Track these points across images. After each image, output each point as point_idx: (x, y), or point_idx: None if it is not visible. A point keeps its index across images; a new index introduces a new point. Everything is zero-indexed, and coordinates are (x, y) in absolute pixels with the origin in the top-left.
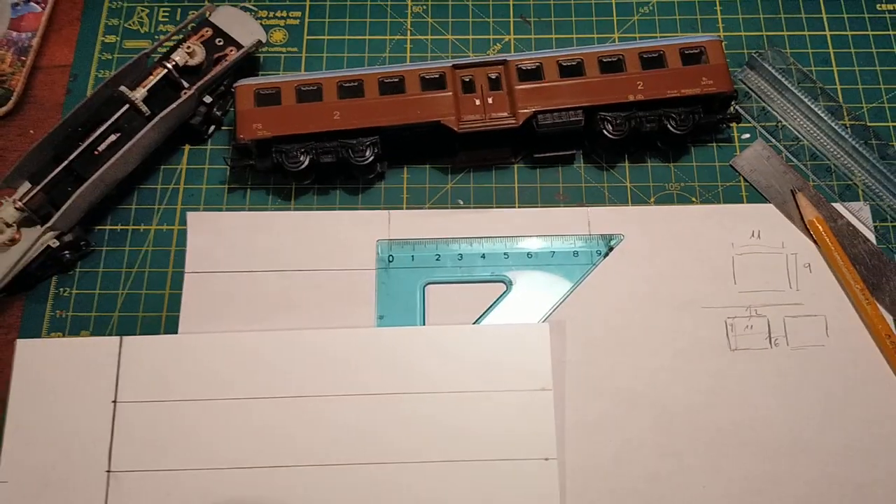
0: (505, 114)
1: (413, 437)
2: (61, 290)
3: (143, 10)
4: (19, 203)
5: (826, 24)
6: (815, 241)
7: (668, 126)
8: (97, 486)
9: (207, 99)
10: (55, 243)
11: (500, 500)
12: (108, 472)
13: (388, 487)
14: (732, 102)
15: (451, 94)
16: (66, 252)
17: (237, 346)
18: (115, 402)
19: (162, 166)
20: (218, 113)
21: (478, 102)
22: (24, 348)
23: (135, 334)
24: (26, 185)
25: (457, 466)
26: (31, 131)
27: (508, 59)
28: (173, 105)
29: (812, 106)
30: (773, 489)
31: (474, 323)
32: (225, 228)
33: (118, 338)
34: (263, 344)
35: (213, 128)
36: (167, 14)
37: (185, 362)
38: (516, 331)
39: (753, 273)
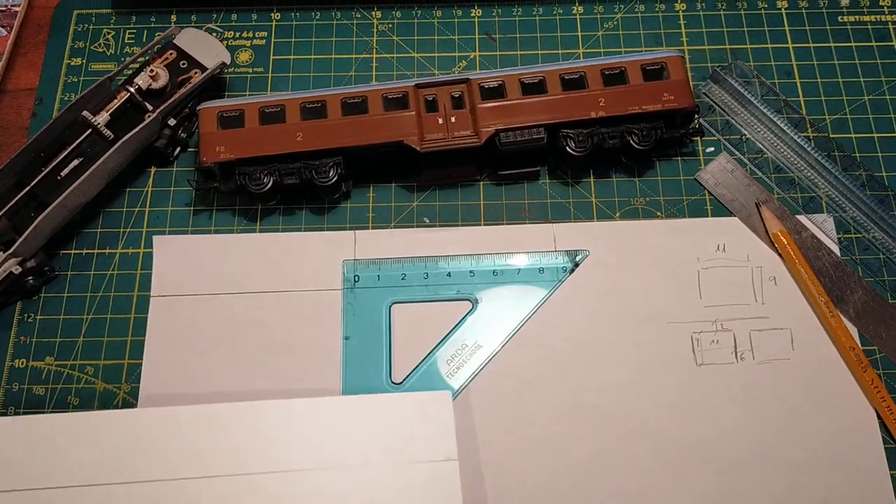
0: (468, 132)
1: None
2: (25, 315)
3: (109, 33)
4: None
5: (789, 36)
6: (779, 254)
7: (631, 142)
8: None
9: (172, 121)
10: (18, 269)
11: None
12: None
13: None
14: (696, 116)
15: (413, 113)
16: (30, 278)
17: (120, 423)
18: None
19: (127, 189)
20: (183, 135)
21: (440, 121)
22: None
23: (100, 360)
24: None
25: None
26: None
27: (471, 77)
28: (136, 129)
29: (775, 119)
30: (738, 502)
31: (440, 342)
32: (190, 251)
33: None
34: (139, 422)
35: (178, 150)
36: (133, 36)
37: (66, 442)
38: (418, 399)
39: (719, 287)
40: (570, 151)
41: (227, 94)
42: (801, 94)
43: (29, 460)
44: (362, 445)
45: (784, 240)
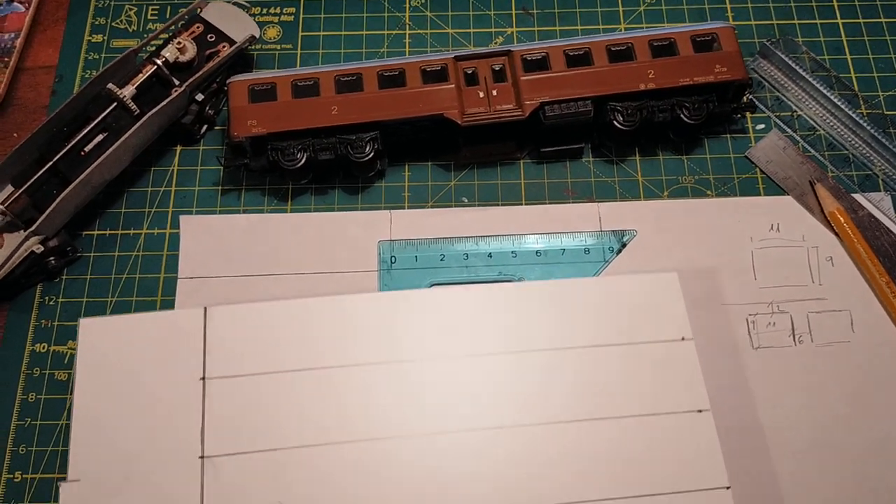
0: (510, 106)
1: (554, 396)
2: (47, 298)
3: (131, 9)
4: (1, 207)
5: (837, 11)
6: (836, 234)
7: (681, 116)
8: (190, 475)
9: (199, 97)
10: (39, 249)
11: (658, 455)
12: (202, 457)
13: (526, 451)
14: (746, 91)
15: (453, 86)
16: (52, 258)
17: (334, 310)
18: (203, 378)
19: (152, 168)
20: (210, 112)
21: (481, 95)
22: (88, 328)
23: None
24: (9, 189)
25: (604, 424)
26: (15, 135)
27: (513, 49)
28: (164, 102)
29: (828, 94)
30: (800, 491)
31: None
32: (219, 231)
33: (202, 308)
34: (362, 306)
35: (205, 127)
36: (156, 12)
37: (278, 330)
38: (647, 280)
39: (774, 268)
40: (618, 125)
41: (255, 70)
42: (852, 70)
43: (244, 346)
44: (590, 326)
45: (841, 218)
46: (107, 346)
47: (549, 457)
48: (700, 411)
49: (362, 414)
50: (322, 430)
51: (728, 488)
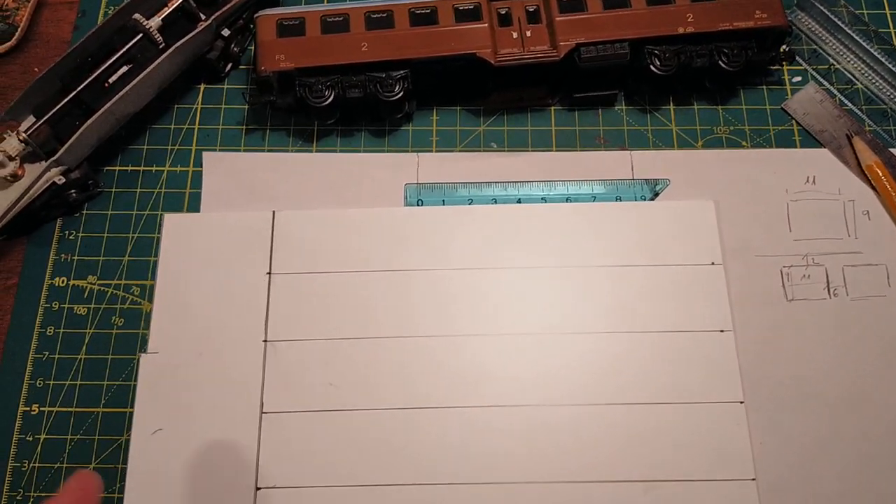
0: (545, 47)
1: (584, 310)
2: (67, 232)
3: None
4: (23, 135)
5: None
6: (873, 188)
7: (720, 62)
8: (254, 356)
9: (225, 32)
10: (61, 180)
11: (680, 369)
12: (265, 341)
13: (553, 357)
14: (787, 39)
15: (486, 26)
16: (73, 191)
17: (392, 220)
18: (269, 273)
19: (176, 105)
20: (235, 49)
21: (515, 35)
22: (171, 221)
23: (146, 280)
24: (31, 119)
25: (631, 336)
26: (36, 69)
27: None
28: (189, 35)
29: (867, 47)
30: (835, 446)
31: None
32: (243, 169)
33: (271, 211)
34: (423, 217)
35: (230, 65)
36: None
37: (338, 235)
38: (681, 207)
39: (809, 220)
40: (655, 70)
41: (281, 6)
42: (891, 24)
43: (307, 248)
44: (628, 248)
45: (879, 172)
46: (186, 240)
47: (574, 364)
48: (722, 331)
49: (408, 313)
50: (370, 324)
51: (742, 403)
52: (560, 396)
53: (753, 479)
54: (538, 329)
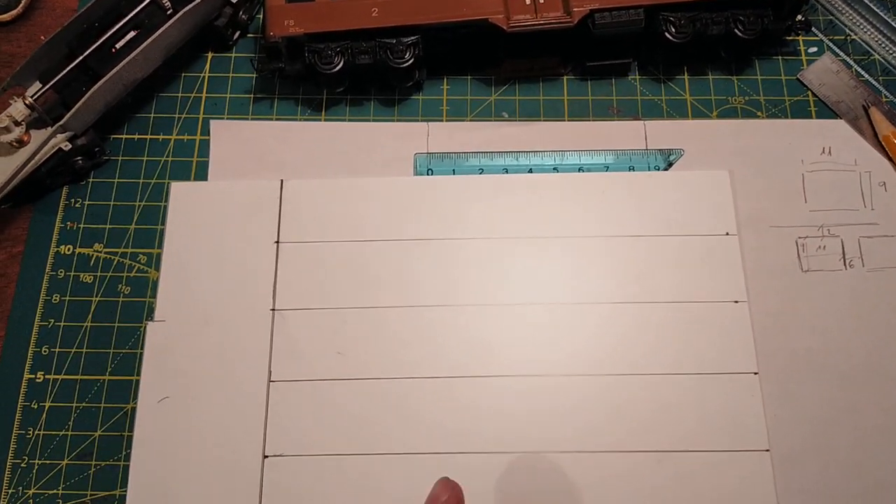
0: (558, 13)
1: (597, 280)
2: (73, 200)
3: None
4: (29, 100)
5: None
6: (890, 159)
7: (736, 30)
8: (262, 324)
9: None
10: (67, 146)
11: (693, 340)
12: (273, 310)
13: (565, 324)
14: (804, 7)
15: None
16: (79, 158)
17: (401, 188)
18: (277, 242)
19: (183, 73)
20: (244, 17)
21: (528, 1)
22: (178, 189)
23: (153, 248)
24: (37, 85)
25: (645, 307)
26: (42, 37)
27: None
28: (197, 1)
29: (885, 17)
30: (849, 418)
31: None
32: (251, 138)
33: (279, 180)
34: (433, 187)
35: (238, 33)
36: None
37: (346, 203)
38: (695, 178)
39: (825, 191)
40: (670, 37)
41: None
42: None
43: (316, 217)
44: (641, 218)
45: None
46: (193, 207)
47: (586, 334)
48: (736, 302)
49: (417, 282)
50: (379, 293)
51: (756, 374)
52: (572, 367)
53: (767, 451)
54: (549, 299)
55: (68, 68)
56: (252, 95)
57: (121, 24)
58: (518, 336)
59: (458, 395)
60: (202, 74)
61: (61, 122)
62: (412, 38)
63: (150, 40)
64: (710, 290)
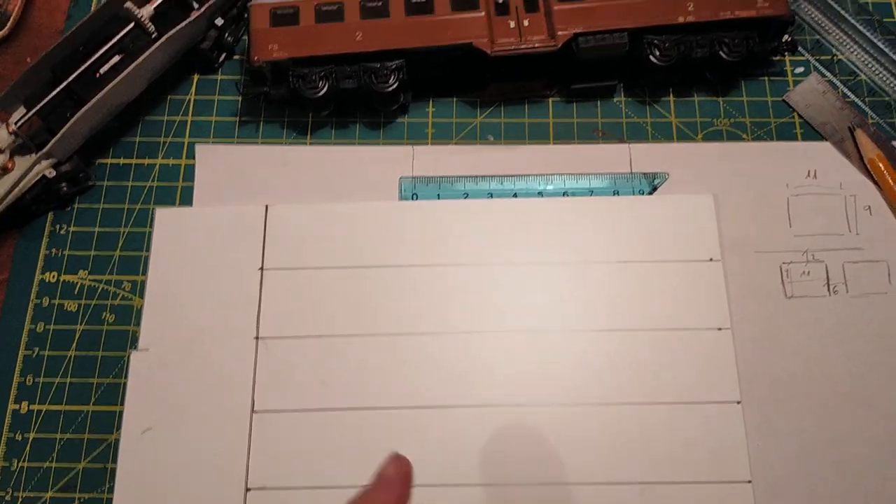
0: (542, 37)
1: (580, 307)
2: (58, 226)
3: None
4: (13, 127)
5: None
6: (875, 182)
7: (721, 53)
8: (246, 353)
9: (219, 21)
10: (52, 173)
11: (676, 368)
12: (257, 338)
13: (544, 355)
14: (790, 28)
15: (483, 14)
16: (64, 185)
17: (385, 214)
18: (262, 268)
19: (169, 96)
20: (229, 39)
21: (512, 25)
22: (162, 216)
23: (137, 275)
24: (21, 110)
25: (626, 335)
26: (28, 59)
27: None
28: (182, 24)
29: (871, 37)
30: (833, 448)
31: None
32: (236, 162)
33: (263, 205)
34: (417, 212)
35: (223, 55)
36: None
37: (331, 229)
38: (680, 202)
39: (810, 215)
40: (654, 61)
41: None
42: None
43: (300, 243)
44: (625, 243)
45: (881, 165)
46: (178, 234)
47: (569, 362)
48: (720, 329)
49: (402, 310)
50: (364, 321)
51: (739, 403)
52: (555, 395)
53: (749, 482)
54: (534, 326)
55: (52, 94)
56: (238, 118)
57: (105, 48)
58: (502, 364)
59: (443, 426)
60: (188, 97)
61: (45, 150)
62: (396, 62)
63: (134, 65)
64: (693, 317)
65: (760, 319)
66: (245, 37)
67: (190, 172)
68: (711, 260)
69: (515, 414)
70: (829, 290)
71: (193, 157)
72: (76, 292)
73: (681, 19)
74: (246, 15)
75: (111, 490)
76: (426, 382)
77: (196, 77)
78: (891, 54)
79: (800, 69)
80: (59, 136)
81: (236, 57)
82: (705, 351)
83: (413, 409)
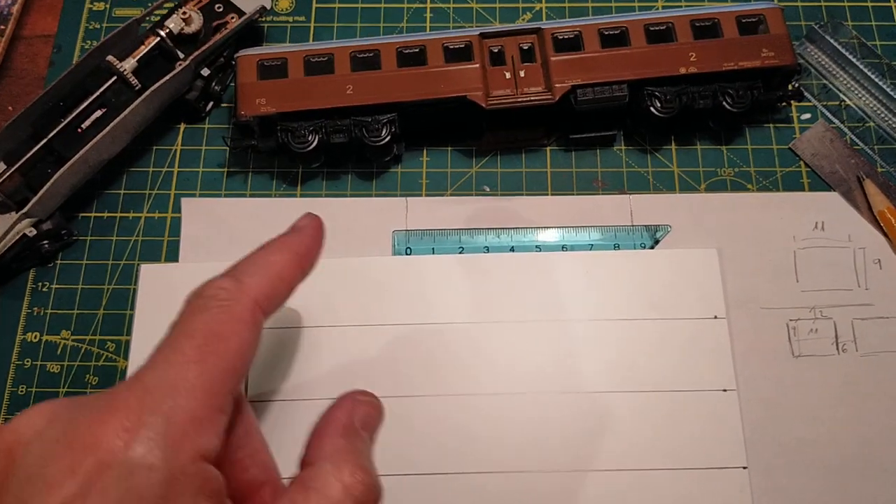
0: (539, 88)
1: (578, 366)
2: (39, 284)
3: None
4: None
5: None
6: (885, 234)
7: (724, 103)
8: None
9: (205, 72)
10: (32, 232)
11: (679, 431)
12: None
13: (547, 416)
14: (796, 77)
15: (478, 66)
16: (45, 242)
17: (383, 269)
18: None
19: (154, 147)
20: (216, 88)
21: (508, 76)
22: (147, 273)
23: (122, 335)
24: (1, 166)
25: (630, 397)
26: (10, 108)
27: (543, 27)
28: (167, 77)
29: (880, 83)
30: None
31: None
32: (223, 216)
33: None
34: (410, 268)
35: (210, 104)
36: None
37: (326, 285)
38: (683, 256)
39: (817, 269)
40: (655, 112)
41: (265, 44)
42: None
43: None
44: (626, 300)
45: (891, 217)
46: (164, 291)
47: (568, 426)
48: (725, 391)
49: (395, 370)
50: (354, 382)
51: (745, 468)
52: (554, 461)
53: None
54: (530, 388)
55: (32, 151)
56: (225, 169)
57: (87, 102)
58: (499, 428)
59: (439, 495)
60: (174, 147)
61: (26, 209)
62: (389, 115)
63: (117, 120)
64: (697, 378)
65: (767, 380)
66: (233, 84)
67: (176, 226)
68: (716, 317)
69: (513, 481)
70: (837, 348)
71: (180, 211)
72: (59, 353)
73: (682, 70)
74: (234, 63)
75: None
76: (421, 447)
77: (182, 126)
78: None
79: (806, 115)
80: (38, 196)
81: (224, 105)
82: (710, 413)
83: (406, 476)
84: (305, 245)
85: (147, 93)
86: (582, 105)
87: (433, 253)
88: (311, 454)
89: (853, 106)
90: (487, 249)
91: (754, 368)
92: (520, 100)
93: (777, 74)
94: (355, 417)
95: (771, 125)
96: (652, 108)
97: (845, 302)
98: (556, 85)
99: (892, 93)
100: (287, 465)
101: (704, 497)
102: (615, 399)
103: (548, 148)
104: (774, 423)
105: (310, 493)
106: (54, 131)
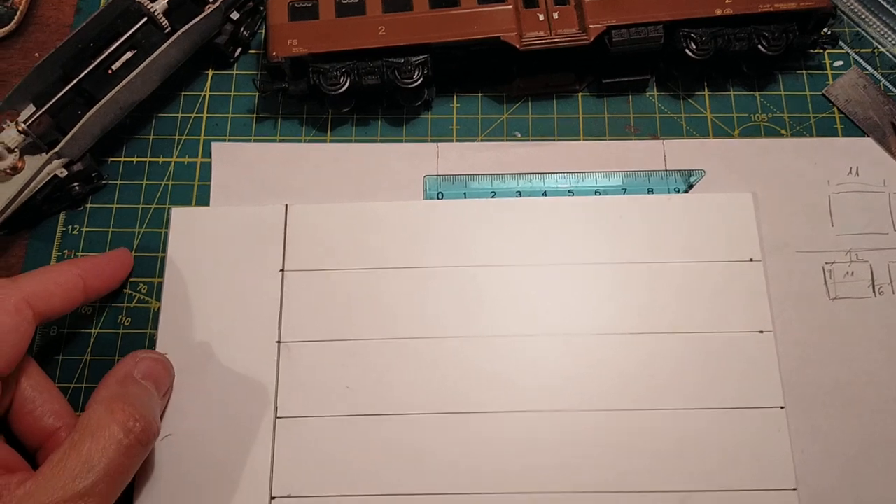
0: (573, 30)
1: (614, 309)
2: (70, 227)
3: None
4: (22, 126)
5: None
6: None
7: (760, 46)
8: (267, 357)
9: (234, 15)
10: (63, 172)
11: (716, 372)
12: (279, 342)
13: (582, 359)
14: (830, 21)
15: (511, 7)
16: (76, 184)
17: (409, 214)
18: (282, 270)
19: (183, 93)
20: (245, 33)
21: (541, 18)
22: (179, 216)
23: (153, 277)
24: (31, 108)
25: (665, 338)
26: (37, 55)
27: None
28: (196, 19)
29: None
30: (881, 453)
31: None
32: (254, 160)
33: (283, 205)
34: (443, 211)
35: (239, 50)
36: None
37: (353, 229)
38: (717, 200)
39: (852, 214)
40: (690, 54)
41: None
42: None
43: (322, 244)
44: (661, 243)
45: None
46: (195, 234)
47: (604, 366)
48: (761, 332)
49: (428, 312)
50: (388, 323)
51: (783, 408)
52: (590, 401)
53: (795, 489)
54: (565, 330)
55: (63, 91)
56: (255, 115)
57: (117, 44)
58: (534, 368)
59: (472, 433)
60: (203, 93)
61: (56, 149)
62: (421, 57)
63: (147, 61)
64: (733, 320)
65: (803, 322)
66: (262, 31)
67: (206, 171)
68: (752, 260)
69: (549, 419)
70: (874, 290)
71: (209, 156)
72: None
73: (718, 12)
74: (263, 9)
75: (131, 498)
76: (453, 387)
77: (211, 72)
78: None
79: (839, 62)
80: (70, 135)
81: (252, 51)
82: (746, 355)
83: (440, 415)
84: (95, 264)
85: (177, 34)
86: (617, 46)
87: (465, 198)
88: (90, 400)
89: (887, 53)
90: (519, 194)
91: (790, 311)
92: (554, 41)
93: (812, 18)
94: (135, 371)
95: (804, 72)
96: (687, 51)
97: (881, 245)
98: (591, 26)
99: None
100: (334, 399)
101: (743, 436)
102: (650, 340)
103: (579, 94)
104: (811, 365)
105: (85, 432)
106: (84, 72)
